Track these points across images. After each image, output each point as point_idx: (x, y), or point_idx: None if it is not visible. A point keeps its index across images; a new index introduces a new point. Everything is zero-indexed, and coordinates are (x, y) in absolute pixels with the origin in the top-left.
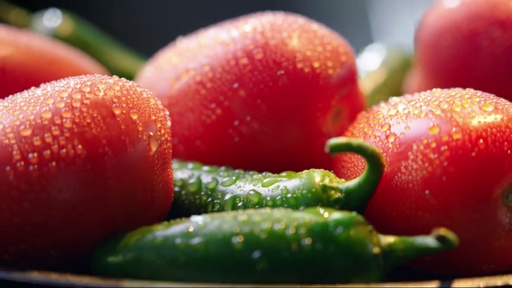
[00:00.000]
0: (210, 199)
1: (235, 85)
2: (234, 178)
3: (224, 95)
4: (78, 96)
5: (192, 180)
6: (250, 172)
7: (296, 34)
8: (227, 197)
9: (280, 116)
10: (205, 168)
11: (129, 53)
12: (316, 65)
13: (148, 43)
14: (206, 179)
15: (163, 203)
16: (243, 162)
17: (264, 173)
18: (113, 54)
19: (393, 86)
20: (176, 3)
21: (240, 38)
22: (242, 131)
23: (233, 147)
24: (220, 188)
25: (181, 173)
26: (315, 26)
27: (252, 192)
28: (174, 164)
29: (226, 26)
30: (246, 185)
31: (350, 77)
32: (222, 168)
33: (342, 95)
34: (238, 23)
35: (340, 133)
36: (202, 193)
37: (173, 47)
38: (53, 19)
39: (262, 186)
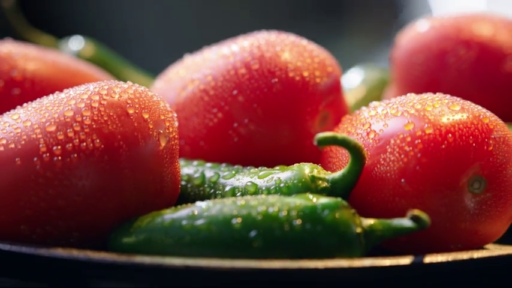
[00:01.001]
0: (212, 190)
1: (235, 92)
2: (233, 172)
3: (225, 100)
4: (97, 97)
5: (196, 175)
6: (248, 167)
7: (288, 48)
8: (227, 188)
9: (274, 118)
10: (208, 164)
11: (141, 71)
12: (305, 74)
13: (157, 63)
14: (209, 173)
15: (171, 193)
16: (241, 159)
17: (259, 168)
18: (127, 73)
19: (372, 100)
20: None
21: (239, 52)
22: (241, 132)
23: (233, 146)
24: (222, 181)
25: (187, 169)
26: (305, 42)
27: (249, 184)
28: (181, 162)
29: (227, 42)
30: (244, 177)
31: (335, 86)
32: (223, 164)
33: (328, 102)
34: (237, 40)
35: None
36: (206, 185)
37: (180, 62)
38: (76, 44)
39: (258, 178)
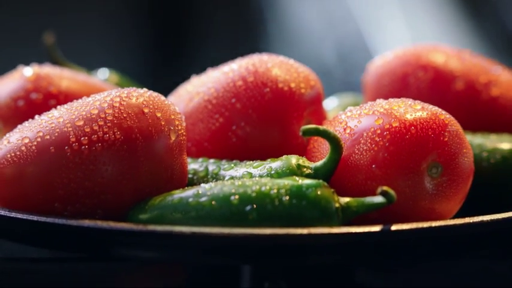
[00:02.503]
0: (214, 180)
1: (233, 100)
2: (232, 165)
3: (225, 107)
4: (118, 99)
5: (201, 169)
6: (244, 161)
7: (277, 65)
8: (227, 177)
9: (266, 122)
10: (211, 160)
11: None
12: (292, 85)
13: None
14: (212, 167)
15: (180, 180)
16: (239, 155)
17: (254, 161)
18: None
19: None
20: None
21: (237, 69)
22: (238, 133)
23: (231, 145)
24: (222, 172)
25: (194, 164)
26: (292, 61)
27: (245, 173)
28: (188, 160)
29: (228, 63)
30: (241, 168)
31: (317, 97)
32: (224, 160)
33: (311, 110)
34: (236, 61)
35: (309, 138)
36: (209, 176)
37: (188, 81)
38: (103, 74)
39: (253, 168)
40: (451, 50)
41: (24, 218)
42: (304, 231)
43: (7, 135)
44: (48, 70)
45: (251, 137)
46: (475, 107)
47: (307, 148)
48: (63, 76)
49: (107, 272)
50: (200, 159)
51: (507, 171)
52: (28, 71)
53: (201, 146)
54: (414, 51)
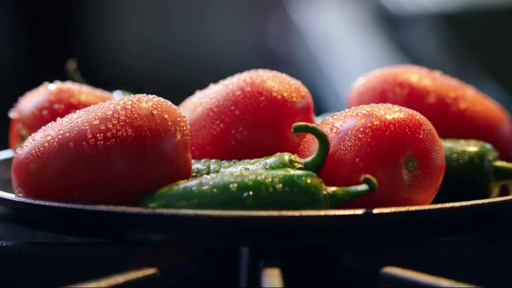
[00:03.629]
0: None
1: (232, 108)
2: (231, 163)
3: (225, 114)
4: (130, 103)
5: (203, 167)
6: (242, 160)
7: (271, 77)
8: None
9: (262, 126)
10: (213, 160)
11: None
12: (285, 94)
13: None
14: (213, 166)
15: (184, 175)
16: (237, 157)
17: (250, 159)
18: None
19: None
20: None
21: (236, 81)
22: (237, 137)
23: (231, 147)
24: (222, 169)
25: (197, 164)
26: (284, 75)
27: (243, 169)
28: (192, 161)
29: (228, 78)
30: (239, 166)
31: (307, 107)
32: (224, 160)
33: (301, 117)
34: (236, 75)
35: (300, 141)
36: (211, 173)
37: (193, 95)
38: (118, 95)
39: (250, 164)
40: (423, 70)
41: (47, 204)
42: (296, 213)
43: (32, 135)
44: (69, 85)
45: (248, 140)
46: (445, 118)
47: (298, 149)
48: (82, 90)
49: (120, 254)
50: (203, 160)
51: (473, 170)
52: (52, 86)
53: (203, 149)
54: (391, 72)
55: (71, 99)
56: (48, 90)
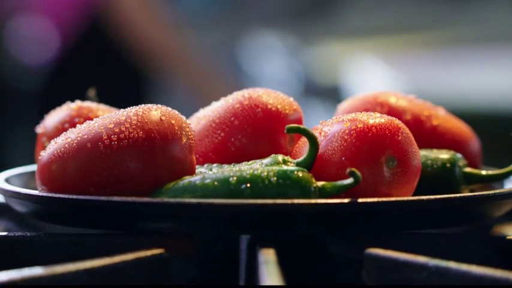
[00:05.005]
0: None
1: (232, 118)
2: (231, 166)
3: (225, 124)
4: (141, 110)
5: (206, 170)
6: (241, 163)
7: (267, 93)
8: None
9: (258, 135)
10: (214, 164)
11: None
12: (279, 107)
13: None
14: (215, 169)
15: (189, 174)
16: (236, 162)
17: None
18: None
19: None
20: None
21: (236, 97)
22: (236, 144)
23: (231, 154)
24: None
25: (200, 168)
26: (279, 92)
27: (241, 166)
28: (197, 166)
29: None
30: (238, 167)
31: (299, 118)
32: (224, 164)
33: None
34: (235, 93)
35: (292, 149)
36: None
37: (197, 112)
38: None
39: (247, 165)
40: (400, 93)
41: (67, 197)
42: (288, 201)
43: (55, 139)
44: (88, 103)
45: (246, 147)
46: (421, 133)
47: (291, 155)
48: (100, 108)
49: (132, 244)
50: (206, 165)
51: (446, 175)
52: (73, 104)
53: (206, 156)
54: (372, 94)
55: (89, 114)
56: (69, 107)
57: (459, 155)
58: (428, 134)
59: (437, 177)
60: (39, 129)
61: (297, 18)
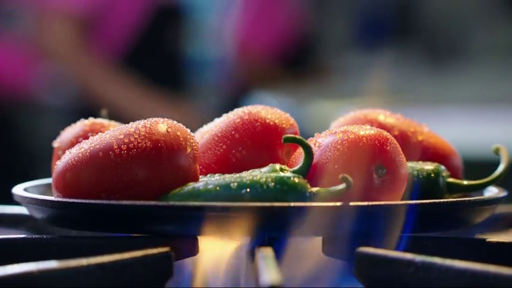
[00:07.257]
0: None
1: (233, 132)
2: (232, 175)
3: (227, 138)
4: (149, 123)
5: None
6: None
7: (265, 109)
8: None
9: (257, 147)
10: (216, 174)
11: None
12: (276, 121)
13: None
14: (217, 177)
15: (193, 182)
16: (237, 172)
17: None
18: None
19: None
20: None
21: (237, 112)
22: (237, 156)
23: (232, 165)
24: None
25: (204, 178)
26: (276, 108)
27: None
28: (200, 176)
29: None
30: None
31: (295, 133)
32: (226, 174)
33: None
34: (235, 109)
35: (289, 160)
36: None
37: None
38: None
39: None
40: (388, 112)
41: (80, 202)
42: (285, 204)
43: (70, 149)
44: (101, 120)
45: (246, 158)
46: (407, 147)
47: (287, 165)
48: (111, 124)
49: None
50: (208, 175)
51: (431, 184)
52: (86, 121)
53: (209, 167)
54: (362, 112)
55: (101, 130)
56: (83, 123)
57: (443, 167)
58: (414, 148)
59: (422, 187)
60: (55, 143)
61: (293, 82)
